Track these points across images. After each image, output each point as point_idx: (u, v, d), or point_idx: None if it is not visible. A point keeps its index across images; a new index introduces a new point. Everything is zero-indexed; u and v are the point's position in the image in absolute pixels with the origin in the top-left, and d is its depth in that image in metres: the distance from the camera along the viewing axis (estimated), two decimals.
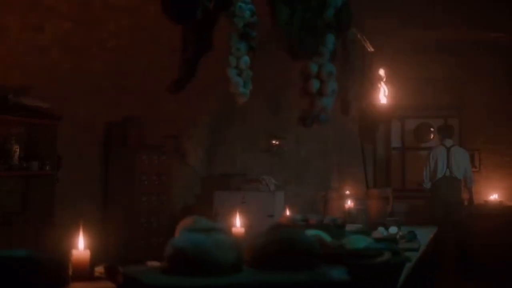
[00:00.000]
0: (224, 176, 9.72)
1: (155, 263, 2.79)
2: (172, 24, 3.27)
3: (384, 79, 7.05)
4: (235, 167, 10.00)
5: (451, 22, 8.71)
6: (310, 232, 3.14)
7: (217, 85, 9.52)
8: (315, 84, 2.97)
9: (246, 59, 3.65)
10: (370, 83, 6.73)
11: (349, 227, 4.27)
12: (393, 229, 4.53)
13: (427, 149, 9.19)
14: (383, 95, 6.98)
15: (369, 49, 7.34)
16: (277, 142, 9.77)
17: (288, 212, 4.15)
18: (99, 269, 2.85)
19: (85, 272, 2.72)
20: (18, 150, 6.42)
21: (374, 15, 8.56)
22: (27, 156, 6.56)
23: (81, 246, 2.75)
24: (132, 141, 7.87)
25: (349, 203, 5.33)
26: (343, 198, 6.04)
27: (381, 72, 7.09)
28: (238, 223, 3.69)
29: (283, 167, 9.76)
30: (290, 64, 9.62)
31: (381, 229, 4.39)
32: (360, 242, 3.07)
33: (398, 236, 4.42)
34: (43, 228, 6.56)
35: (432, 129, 9.76)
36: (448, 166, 8.49)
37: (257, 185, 9.43)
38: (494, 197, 8.83)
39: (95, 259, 2.81)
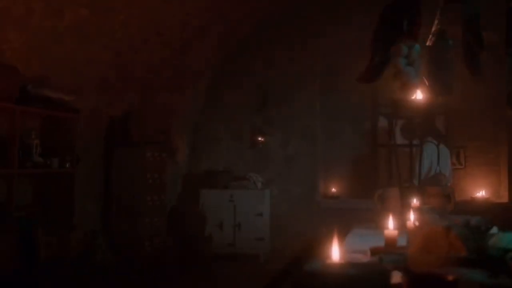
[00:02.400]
0: (209, 173, 9.38)
1: None
2: None
3: None
4: (218, 163, 9.68)
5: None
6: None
7: (201, 78, 9.24)
8: None
9: (417, 47, 3.40)
10: None
11: None
12: (494, 229, 4.42)
13: (414, 147, 9.21)
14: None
15: None
16: (262, 139, 9.52)
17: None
18: None
19: None
20: (38, 145, 5.88)
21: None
22: (46, 151, 6.01)
23: (335, 256, 2.46)
24: (135, 137, 7.42)
25: (415, 201, 5.17)
26: (401, 195, 5.86)
27: None
28: (391, 225, 3.39)
29: (268, 164, 9.54)
30: (280, 59, 9.44)
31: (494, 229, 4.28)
32: None
33: None
34: (67, 230, 6.06)
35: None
36: (438, 164, 8.56)
37: (245, 183, 9.17)
38: (481, 194, 8.94)
39: None
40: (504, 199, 8.90)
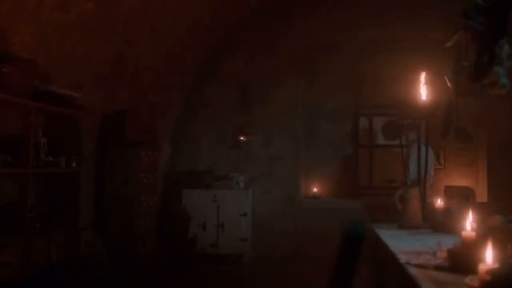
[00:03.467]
0: (191, 173, 9.21)
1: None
2: None
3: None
4: (200, 163, 9.51)
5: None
6: None
7: (183, 77, 9.07)
8: None
9: (507, 47, 3.37)
10: None
11: None
12: None
13: (396, 147, 9.27)
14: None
15: None
16: (244, 138, 9.41)
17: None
18: None
19: None
20: (45, 144, 5.62)
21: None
22: (51, 150, 5.75)
23: (489, 260, 2.40)
24: (131, 137, 7.20)
25: (439, 202, 5.18)
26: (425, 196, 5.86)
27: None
28: (468, 226, 3.35)
29: (251, 164, 9.43)
30: (262, 58, 9.33)
31: None
32: None
33: None
34: (75, 230, 5.82)
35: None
36: (427, 164, 8.65)
37: (228, 183, 9.05)
38: None
39: None
40: (483, 199, 9.05)
